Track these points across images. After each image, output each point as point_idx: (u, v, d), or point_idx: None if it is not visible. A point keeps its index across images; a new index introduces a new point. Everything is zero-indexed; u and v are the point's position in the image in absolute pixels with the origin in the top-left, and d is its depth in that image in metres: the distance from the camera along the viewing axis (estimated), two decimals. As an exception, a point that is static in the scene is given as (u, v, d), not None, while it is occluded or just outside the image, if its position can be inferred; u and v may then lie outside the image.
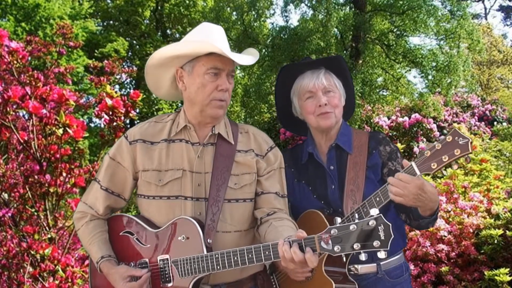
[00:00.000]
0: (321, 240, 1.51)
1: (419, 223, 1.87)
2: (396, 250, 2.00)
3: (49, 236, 2.95)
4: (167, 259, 1.76)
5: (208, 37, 1.82)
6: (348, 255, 1.66)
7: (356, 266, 1.90)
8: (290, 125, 2.24)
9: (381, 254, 1.45)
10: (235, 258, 1.64)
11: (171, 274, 1.75)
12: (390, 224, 1.44)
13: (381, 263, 1.94)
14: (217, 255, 1.67)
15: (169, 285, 1.75)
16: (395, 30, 11.98)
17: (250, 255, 1.63)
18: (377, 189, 1.82)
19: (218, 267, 1.66)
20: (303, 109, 2.05)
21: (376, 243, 1.43)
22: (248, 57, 1.87)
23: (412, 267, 3.35)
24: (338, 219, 1.53)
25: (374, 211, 1.46)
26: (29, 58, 3.24)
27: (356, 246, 1.45)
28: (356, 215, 1.55)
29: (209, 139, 1.88)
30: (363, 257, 1.47)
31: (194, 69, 1.81)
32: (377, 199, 1.78)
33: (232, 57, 1.75)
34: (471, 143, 1.61)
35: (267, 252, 1.61)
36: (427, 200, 1.70)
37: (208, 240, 1.72)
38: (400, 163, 1.96)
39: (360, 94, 10.68)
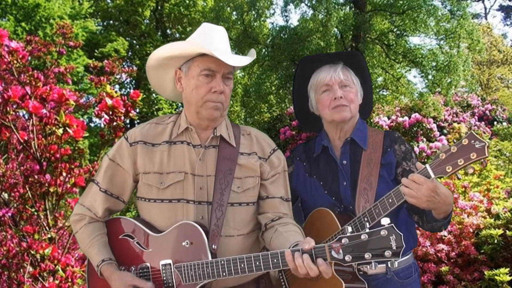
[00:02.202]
0: (331, 250, 1.50)
1: (432, 226, 1.84)
2: (406, 251, 1.98)
3: (49, 236, 2.95)
4: (169, 264, 1.73)
5: (206, 38, 1.80)
6: None
7: (365, 266, 1.88)
8: (306, 122, 2.22)
9: (394, 264, 1.46)
10: (242, 265, 1.62)
11: (173, 280, 1.72)
12: (402, 234, 1.44)
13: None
14: (223, 262, 1.64)
15: None
16: (395, 30, 11.97)
17: (257, 263, 1.61)
18: (390, 188, 1.80)
19: (224, 274, 1.64)
20: (319, 103, 2.03)
21: (387, 253, 1.43)
22: (240, 58, 1.83)
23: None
24: (349, 228, 1.52)
25: (386, 221, 1.46)
26: (29, 58, 3.23)
27: (367, 255, 1.45)
28: (366, 219, 1.54)
29: (211, 141, 1.85)
30: (373, 266, 1.46)
31: (189, 70, 1.80)
32: (390, 200, 1.76)
33: (222, 58, 1.71)
34: (488, 147, 1.58)
35: (275, 260, 1.59)
36: (440, 203, 1.68)
37: (213, 246, 1.70)
38: (415, 164, 1.93)
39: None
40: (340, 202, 1.97)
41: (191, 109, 1.83)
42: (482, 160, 1.59)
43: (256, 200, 1.87)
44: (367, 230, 1.47)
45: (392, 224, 1.45)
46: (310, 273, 1.51)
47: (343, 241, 1.48)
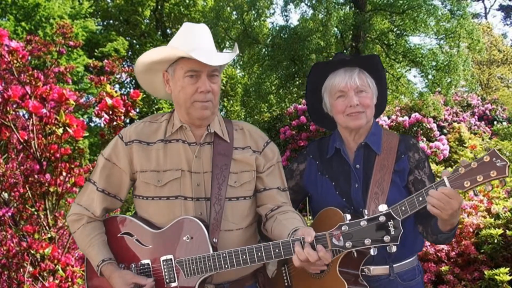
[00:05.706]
0: (332, 237, 1.55)
1: (437, 238, 1.84)
2: (412, 254, 1.99)
3: (49, 235, 2.95)
4: (170, 259, 1.75)
5: (188, 40, 1.81)
6: (363, 258, 1.75)
7: (368, 267, 1.88)
8: (319, 120, 2.19)
9: (392, 249, 1.50)
10: (244, 256, 1.65)
11: (175, 274, 1.74)
12: (400, 219, 1.49)
13: (394, 265, 1.91)
14: (224, 254, 1.67)
15: (174, 285, 1.74)
16: (395, 29, 11.99)
17: (259, 253, 1.64)
18: (401, 194, 1.79)
19: (226, 266, 1.67)
20: (333, 107, 2.00)
21: (386, 238, 1.49)
22: (222, 56, 1.82)
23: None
24: (348, 216, 1.56)
25: (383, 207, 1.51)
26: (29, 58, 3.23)
27: (367, 241, 1.51)
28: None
29: (206, 138, 1.87)
30: (372, 252, 1.52)
31: (175, 72, 1.81)
32: (403, 208, 1.75)
33: (202, 60, 1.70)
34: (509, 166, 1.57)
35: (277, 250, 1.62)
36: (456, 215, 1.69)
37: (214, 240, 1.72)
38: (427, 173, 1.93)
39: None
40: (351, 203, 1.96)
41: (181, 110, 1.86)
42: (502, 179, 1.58)
43: (253, 193, 1.90)
44: (366, 217, 1.51)
45: (390, 210, 1.51)
46: (309, 259, 1.55)
47: (343, 228, 1.54)
